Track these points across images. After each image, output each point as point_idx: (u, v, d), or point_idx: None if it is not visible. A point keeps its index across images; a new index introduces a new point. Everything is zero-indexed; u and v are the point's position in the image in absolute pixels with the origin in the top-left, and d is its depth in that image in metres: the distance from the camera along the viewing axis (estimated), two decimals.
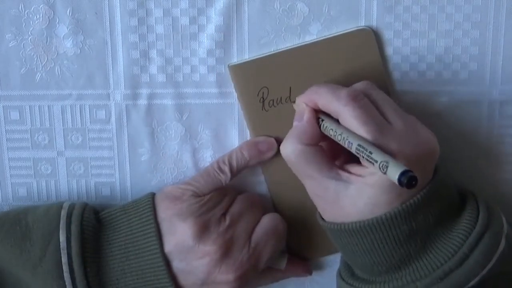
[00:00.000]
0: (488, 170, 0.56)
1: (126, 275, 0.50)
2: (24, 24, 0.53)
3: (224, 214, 0.52)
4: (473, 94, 0.55)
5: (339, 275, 0.52)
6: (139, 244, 0.51)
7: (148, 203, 0.52)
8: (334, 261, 0.58)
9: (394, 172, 0.42)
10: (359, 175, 0.46)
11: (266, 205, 0.56)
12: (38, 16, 0.53)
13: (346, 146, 0.46)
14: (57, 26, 0.53)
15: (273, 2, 0.53)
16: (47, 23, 0.53)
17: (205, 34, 0.54)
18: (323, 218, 0.50)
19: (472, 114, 0.55)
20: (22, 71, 0.54)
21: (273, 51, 0.54)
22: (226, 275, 0.50)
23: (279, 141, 0.55)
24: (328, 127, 0.48)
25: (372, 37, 0.54)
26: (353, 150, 0.46)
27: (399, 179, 0.41)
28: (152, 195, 0.53)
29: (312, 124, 0.49)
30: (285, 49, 0.54)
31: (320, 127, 0.49)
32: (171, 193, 0.52)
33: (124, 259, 0.50)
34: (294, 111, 0.54)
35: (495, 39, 0.54)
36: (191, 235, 0.50)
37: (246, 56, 0.54)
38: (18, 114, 0.55)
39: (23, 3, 0.53)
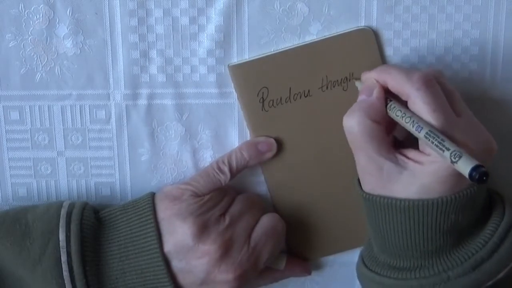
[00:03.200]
0: (488, 170, 0.56)
1: (125, 274, 0.50)
2: (24, 24, 0.53)
3: (223, 214, 0.52)
4: (473, 94, 0.55)
5: (362, 264, 0.52)
6: (138, 244, 0.51)
7: (148, 203, 0.52)
8: (334, 261, 0.59)
9: (466, 165, 0.42)
10: (417, 162, 0.46)
11: (265, 205, 0.56)
12: (38, 16, 0.53)
13: (413, 130, 0.46)
14: (57, 26, 0.53)
15: (273, 2, 0.53)
16: (47, 23, 0.53)
17: (205, 34, 0.54)
18: (362, 190, 0.50)
19: None
20: (22, 71, 0.54)
21: (273, 51, 0.54)
22: (225, 275, 0.50)
23: (278, 142, 0.55)
24: (396, 108, 0.47)
25: (372, 37, 0.54)
26: (421, 135, 0.45)
27: (470, 173, 0.41)
28: (152, 195, 0.53)
29: (382, 101, 0.48)
30: (285, 49, 0.54)
31: (386, 107, 0.48)
32: (171, 193, 0.52)
33: (124, 258, 0.50)
34: (294, 111, 0.54)
35: (495, 39, 0.54)
36: (190, 235, 0.50)
37: (246, 56, 0.54)
38: (18, 114, 0.55)
39: (23, 3, 0.53)
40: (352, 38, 0.54)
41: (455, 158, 0.43)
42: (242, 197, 0.54)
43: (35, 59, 0.54)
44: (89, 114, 0.55)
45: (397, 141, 0.50)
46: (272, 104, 0.54)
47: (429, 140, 0.45)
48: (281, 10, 0.54)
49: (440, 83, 0.48)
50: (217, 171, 0.53)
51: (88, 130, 0.55)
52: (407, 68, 0.48)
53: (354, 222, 0.56)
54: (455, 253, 0.48)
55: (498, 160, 0.56)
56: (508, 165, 0.57)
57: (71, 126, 0.55)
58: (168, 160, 0.56)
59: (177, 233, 0.50)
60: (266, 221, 0.53)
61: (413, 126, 0.46)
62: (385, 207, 0.48)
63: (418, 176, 0.46)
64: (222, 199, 0.53)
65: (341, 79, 0.54)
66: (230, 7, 0.53)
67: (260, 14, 0.54)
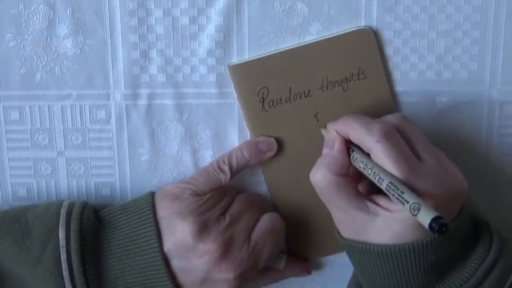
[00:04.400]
0: (488, 170, 0.56)
1: (125, 274, 0.50)
2: (24, 24, 0.53)
3: (223, 213, 0.52)
4: (473, 94, 0.55)
5: None
6: (138, 243, 0.51)
7: (148, 202, 0.52)
8: (334, 261, 0.59)
9: (425, 217, 0.42)
10: (388, 209, 0.46)
11: (265, 204, 0.56)
12: (38, 16, 0.53)
13: (375, 181, 0.46)
14: (57, 26, 0.53)
15: (273, 2, 0.53)
16: (47, 23, 0.53)
17: (205, 34, 0.54)
18: (341, 236, 0.50)
19: (472, 114, 0.56)
20: (22, 71, 0.54)
21: (273, 51, 0.54)
22: (225, 274, 0.50)
23: (278, 142, 0.55)
24: (358, 159, 0.48)
25: (372, 37, 0.54)
26: (383, 187, 0.45)
27: (430, 225, 0.42)
28: (152, 194, 0.53)
29: (344, 154, 0.49)
30: (285, 49, 0.54)
31: (349, 157, 0.49)
32: (171, 191, 0.52)
33: (123, 257, 0.50)
34: (293, 111, 0.54)
35: (495, 39, 0.54)
36: (190, 234, 0.50)
37: (246, 56, 0.54)
38: (18, 114, 0.55)
39: (23, 3, 0.53)
40: (352, 38, 0.54)
41: (414, 211, 0.43)
42: (242, 197, 0.54)
43: (35, 59, 0.54)
44: (89, 114, 0.55)
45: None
46: (272, 104, 0.54)
47: (389, 192, 0.45)
48: (281, 10, 0.54)
49: (403, 129, 0.48)
50: (217, 170, 0.53)
51: (88, 130, 0.55)
52: (367, 119, 0.48)
53: None
54: (442, 286, 0.48)
55: (499, 160, 0.56)
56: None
57: (71, 126, 0.55)
58: (168, 160, 0.56)
59: (177, 232, 0.50)
60: (266, 220, 0.53)
61: (374, 178, 0.46)
62: (363, 252, 0.48)
63: (390, 224, 0.46)
64: (222, 198, 0.53)
65: (341, 79, 0.54)
66: (230, 7, 0.53)
67: (260, 14, 0.54)
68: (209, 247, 0.50)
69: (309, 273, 0.58)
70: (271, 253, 0.53)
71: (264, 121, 0.55)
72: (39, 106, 0.55)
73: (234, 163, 0.53)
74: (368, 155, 0.48)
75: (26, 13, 0.53)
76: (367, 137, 0.47)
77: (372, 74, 0.54)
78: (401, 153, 0.46)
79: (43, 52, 0.54)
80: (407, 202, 0.43)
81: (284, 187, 0.56)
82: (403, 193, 0.44)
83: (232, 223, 0.52)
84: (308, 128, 0.55)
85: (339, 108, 0.55)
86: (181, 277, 0.51)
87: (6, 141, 0.56)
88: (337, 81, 0.54)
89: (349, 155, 0.49)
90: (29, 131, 0.55)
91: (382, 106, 0.55)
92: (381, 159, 0.46)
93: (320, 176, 0.48)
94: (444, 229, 0.41)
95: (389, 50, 0.54)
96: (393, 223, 0.46)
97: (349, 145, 0.49)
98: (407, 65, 0.55)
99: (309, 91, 0.54)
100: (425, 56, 0.54)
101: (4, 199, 0.56)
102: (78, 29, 0.53)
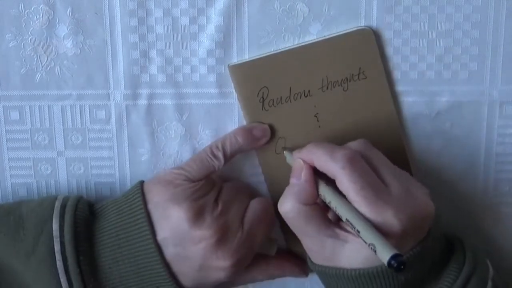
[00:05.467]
0: (488, 170, 0.56)
1: (118, 263, 0.50)
2: (24, 24, 0.53)
3: (216, 200, 0.52)
4: (473, 94, 0.55)
5: None
6: (130, 231, 0.50)
7: (137, 191, 0.51)
8: None
9: (384, 255, 0.43)
10: (356, 236, 0.46)
11: (251, 191, 0.56)
12: (38, 16, 0.53)
13: (337, 214, 0.47)
14: (57, 26, 0.53)
15: (273, 2, 0.53)
16: (47, 23, 0.53)
17: (205, 34, 0.54)
18: (313, 262, 0.51)
19: (472, 114, 0.55)
20: (22, 71, 0.54)
21: (273, 51, 0.54)
22: (223, 261, 0.50)
23: (273, 131, 0.55)
24: (323, 190, 0.48)
25: (372, 37, 0.54)
26: (343, 221, 0.46)
27: (388, 262, 0.42)
28: (141, 183, 0.53)
29: (311, 184, 0.49)
30: (285, 49, 0.54)
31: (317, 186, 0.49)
32: (164, 178, 0.52)
33: (116, 247, 0.50)
34: (293, 111, 0.54)
35: (495, 39, 0.54)
36: (186, 219, 0.50)
37: (246, 56, 0.54)
38: (18, 114, 0.55)
39: (23, 3, 0.53)
40: (352, 38, 0.54)
41: (373, 251, 0.43)
42: (230, 184, 0.54)
43: (35, 59, 0.54)
44: (89, 114, 0.55)
45: None
46: (272, 104, 0.54)
47: (350, 227, 0.45)
48: (281, 10, 0.54)
49: (367, 155, 0.48)
50: (210, 156, 0.53)
51: (88, 130, 0.55)
52: (331, 147, 0.48)
53: None
54: None
55: (499, 160, 0.56)
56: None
57: (71, 126, 0.55)
58: (168, 160, 0.56)
59: (172, 218, 0.50)
60: (256, 204, 0.54)
61: (336, 212, 0.47)
62: (335, 277, 0.49)
63: (359, 249, 0.46)
64: (213, 186, 0.53)
65: (341, 79, 0.54)
66: (230, 7, 0.53)
67: (260, 14, 0.54)
68: (204, 233, 0.50)
69: (307, 275, 0.58)
70: (265, 235, 0.54)
71: (264, 121, 0.55)
72: (39, 106, 0.55)
73: (228, 149, 0.53)
74: (333, 184, 0.47)
75: (26, 13, 0.53)
76: (331, 163, 0.47)
77: (372, 74, 0.54)
78: (366, 179, 0.46)
79: (43, 52, 0.54)
80: (365, 242, 0.44)
81: (284, 187, 0.56)
82: (359, 232, 0.44)
83: (225, 209, 0.52)
84: (308, 128, 0.55)
85: (339, 108, 0.55)
86: (177, 265, 0.51)
87: (6, 141, 0.56)
88: (337, 81, 0.54)
89: (317, 184, 0.49)
90: (29, 131, 0.55)
91: (382, 106, 0.55)
92: (346, 186, 0.46)
93: (288, 207, 0.48)
94: (402, 267, 0.42)
95: (389, 50, 0.54)
96: (362, 248, 0.46)
97: (315, 174, 0.49)
98: (407, 65, 0.55)
99: (309, 91, 0.54)
100: (425, 56, 0.54)
101: (4, 199, 0.56)
102: (78, 29, 0.53)
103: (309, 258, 0.51)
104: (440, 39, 0.54)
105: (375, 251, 0.43)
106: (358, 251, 0.47)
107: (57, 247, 0.49)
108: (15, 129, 0.55)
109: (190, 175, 0.52)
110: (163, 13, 0.53)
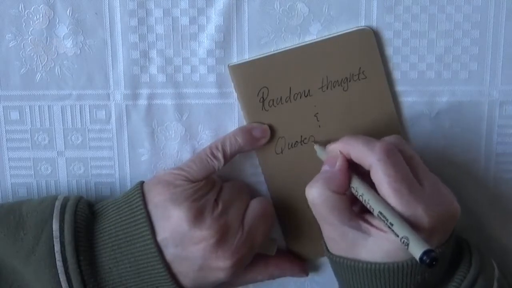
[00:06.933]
0: (488, 170, 0.56)
1: (118, 264, 0.50)
2: (24, 24, 0.53)
3: (216, 200, 0.52)
4: (473, 94, 0.55)
5: None
6: (130, 232, 0.50)
7: (137, 191, 0.51)
8: None
9: (416, 250, 0.42)
10: (381, 230, 0.46)
11: (252, 190, 0.56)
12: (38, 16, 0.53)
13: (368, 207, 0.46)
14: (57, 26, 0.53)
15: (273, 2, 0.53)
16: (47, 23, 0.53)
17: (205, 34, 0.54)
18: (328, 250, 0.50)
19: (472, 114, 0.56)
20: (22, 71, 0.54)
21: (273, 51, 0.54)
22: (223, 262, 0.50)
23: (272, 131, 0.55)
24: (354, 183, 0.48)
25: (372, 37, 0.54)
26: (375, 214, 0.46)
27: (421, 258, 0.42)
28: (141, 183, 0.53)
29: (344, 173, 0.48)
30: (285, 49, 0.54)
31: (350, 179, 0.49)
32: (164, 178, 0.52)
33: (115, 247, 0.50)
34: (293, 111, 0.54)
35: (495, 39, 0.54)
36: (186, 220, 0.50)
37: (246, 56, 0.54)
38: (18, 114, 0.55)
39: (23, 3, 0.53)
40: (352, 38, 0.54)
41: (405, 245, 0.43)
42: (230, 184, 0.54)
43: (35, 59, 0.54)
44: (89, 114, 0.55)
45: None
46: (272, 104, 0.54)
47: (381, 220, 0.45)
48: (281, 10, 0.54)
49: (402, 151, 0.48)
50: (210, 156, 0.53)
51: (88, 130, 0.55)
52: (369, 138, 0.48)
53: None
54: None
55: (499, 160, 0.56)
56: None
57: (71, 126, 0.55)
58: (168, 160, 0.56)
59: (172, 218, 0.50)
60: (256, 204, 0.54)
61: (366, 205, 0.46)
62: (351, 269, 0.48)
63: (382, 243, 0.46)
64: (213, 186, 0.53)
65: (341, 79, 0.54)
66: (230, 7, 0.53)
67: (260, 14, 0.54)
68: (204, 234, 0.50)
69: (307, 274, 0.58)
70: (265, 236, 0.53)
71: (264, 121, 0.55)
72: (39, 106, 0.55)
73: (228, 149, 0.53)
74: (365, 179, 0.47)
75: (26, 13, 0.53)
76: (368, 154, 0.47)
77: (372, 74, 0.54)
78: (401, 173, 0.46)
79: (43, 52, 0.54)
80: (397, 236, 0.44)
81: (284, 187, 0.56)
82: (392, 225, 0.44)
83: (225, 209, 0.51)
84: (308, 128, 0.55)
85: (339, 108, 0.55)
86: (177, 266, 0.51)
87: (6, 141, 0.56)
88: (337, 81, 0.54)
89: (349, 176, 0.48)
90: (29, 131, 0.55)
91: (382, 106, 0.55)
92: (380, 178, 0.46)
93: (317, 192, 0.48)
94: (434, 263, 0.42)
95: (389, 50, 0.54)
96: (385, 243, 0.46)
97: (349, 168, 0.49)
98: (407, 65, 0.55)
99: (309, 91, 0.54)
100: (425, 56, 0.54)
101: (4, 199, 0.56)
102: (78, 29, 0.53)
103: (326, 247, 0.51)
104: (440, 39, 0.54)
105: (407, 245, 0.43)
106: (380, 245, 0.46)
107: (57, 247, 0.49)
108: (15, 129, 0.55)
109: (190, 176, 0.52)
110: (163, 13, 0.53)
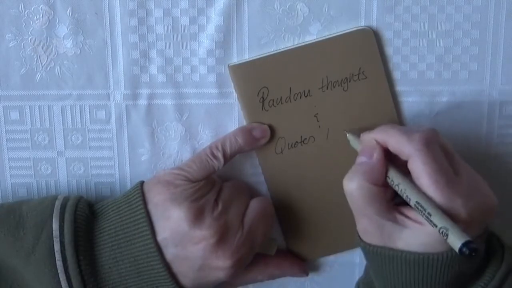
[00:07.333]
0: (488, 170, 0.56)
1: (118, 263, 0.50)
2: (24, 24, 0.53)
3: (216, 200, 0.52)
4: (473, 94, 0.55)
5: None
6: (130, 231, 0.50)
7: (137, 190, 0.52)
8: (334, 261, 0.59)
9: (456, 241, 0.42)
10: (417, 222, 0.46)
11: (252, 190, 0.56)
12: (38, 16, 0.53)
13: (404, 197, 0.46)
14: (57, 26, 0.53)
15: (273, 2, 0.53)
16: (47, 23, 0.53)
17: (205, 34, 0.54)
18: (364, 241, 0.50)
19: (472, 114, 0.56)
20: (22, 71, 0.54)
21: (273, 51, 0.54)
22: (223, 261, 0.50)
23: (272, 131, 0.55)
24: (391, 173, 0.47)
25: (372, 37, 0.54)
26: (412, 205, 0.45)
27: (460, 249, 0.42)
28: (141, 183, 0.53)
29: (382, 164, 0.47)
30: (285, 49, 0.54)
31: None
32: (164, 178, 0.52)
33: (115, 247, 0.50)
34: (293, 111, 0.54)
35: (495, 39, 0.54)
36: (186, 220, 0.50)
37: (246, 56, 0.54)
38: (18, 114, 0.55)
39: (23, 3, 0.53)
40: (352, 38, 0.54)
41: (443, 235, 0.43)
42: (230, 184, 0.54)
43: (35, 59, 0.54)
44: (89, 114, 0.55)
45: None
46: (272, 104, 0.54)
47: (418, 210, 0.45)
48: (281, 10, 0.54)
49: (439, 143, 0.48)
50: (210, 157, 0.53)
51: (88, 130, 0.55)
52: (406, 128, 0.48)
53: (354, 222, 0.56)
54: None
55: (499, 160, 0.56)
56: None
57: (71, 126, 0.55)
58: (168, 160, 0.56)
59: (172, 218, 0.50)
60: (256, 204, 0.54)
61: (403, 195, 0.46)
62: (387, 258, 0.48)
63: (419, 235, 0.46)
64: (213, 186, 0.53)
65: (341, 79, 0.54)
66: (230, 7, 0.53)
67: (260, 14, 0.54)
68: (204, 234, 0.50)
69: (307, 274, 0.58)
70: (265, 236, 0.53)
71: (264, 121, 0.55)
72: (39, 106, 0.55)
73: (228, 149, 0.53)
74: (402, 167, 0.47)
75: (26, 13, 0.53)
76: (407, 144, 0.46)
77: (372, 74, 0.54)
78: (440, 164, 0.46)
79: (43, 52, 0.54)
80: (435, 226, 0.43)
81: (284, 187, 0.56)
82: (430, 215, 0.44)
83: (225, 209, 0.51)
84: (308, 128, 0.55)
85: (339, 108, 0.55)
86: (177, 265, 0.51)
87: (6, 141, 0.56)
88: (337, 81, 0.54)
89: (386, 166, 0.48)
90: (29, 131, 0.55)
91: (382, 106, 0.55)
92: (419, 168, 0.45)
93: (355, 185, 0.47)
94: (474, 254, 0.41)
95: (389, 50, 0.54)
96: (422, 235, 0.46)
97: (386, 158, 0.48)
98: (407, 65, 0.55)
99: (309, 91, 0.54)
100: (425, 56, 0.54)
101: (4, 199, 0.56)
102: (78, 29, 0.53)
103: (359, 237, 0.50)
104: (440, 39, 0.54)
105: (446, 236, 0.42)
106: (416, 237, 0.46)
107: (56, 246, 0.49)
108: (15, 129, 0.55)
109: (190, 176, 0.52)
110: (163, 13, 0.53)
